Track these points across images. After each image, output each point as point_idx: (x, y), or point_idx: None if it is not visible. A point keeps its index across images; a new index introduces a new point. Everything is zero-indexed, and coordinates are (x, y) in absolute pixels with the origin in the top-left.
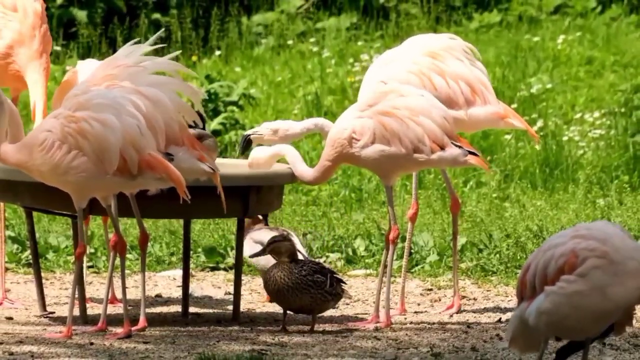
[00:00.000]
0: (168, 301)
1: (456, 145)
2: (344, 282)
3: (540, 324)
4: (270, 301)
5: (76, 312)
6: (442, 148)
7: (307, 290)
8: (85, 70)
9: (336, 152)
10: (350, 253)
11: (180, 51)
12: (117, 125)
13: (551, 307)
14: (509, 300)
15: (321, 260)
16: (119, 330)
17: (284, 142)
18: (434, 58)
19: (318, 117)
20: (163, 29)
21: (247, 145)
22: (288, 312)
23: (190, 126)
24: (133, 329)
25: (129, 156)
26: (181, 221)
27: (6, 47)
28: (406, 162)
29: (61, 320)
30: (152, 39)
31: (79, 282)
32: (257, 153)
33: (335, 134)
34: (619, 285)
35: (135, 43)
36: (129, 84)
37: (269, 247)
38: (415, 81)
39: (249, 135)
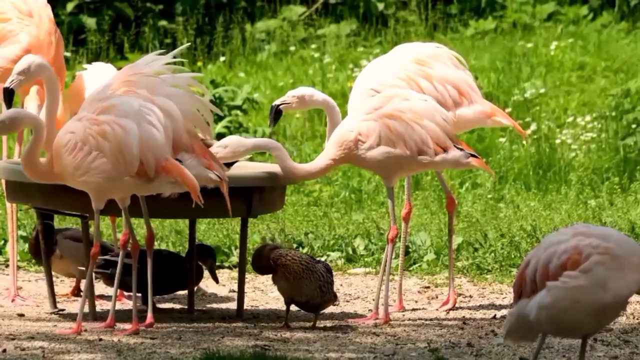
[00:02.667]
0: (174, 298)
1: (458, 148)
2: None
3: (541, 318)
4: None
5: (85, 309)
6: (445, 150)
7: (317, 280)
8: (94, 73)
9: (342, 153)
10: (350, 252)
11: (189, 44)
12: (136, 131)
13: (552, 300)
14: (503, 298)
15: (322, 259)
16: (127, 326)
17: (308, 107)
18: (421, 64)
19: (319, 120)
20: (188, 44)
21: (277, 117)
22: (290, 309)
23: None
24: (140, 325)
25: (147, 160)
26: (187, 221)
27: (23, 50)
28: (410, 163)
29: (71, 317)
30: (174, 52)
31: (90, 280)
32: (239, 141)
33: (342, 135)
34: (620, 279)
35: (161, 53)
36: (144, 92)
37: (275, 263)
38: (404, 86)
39: (278, 105)
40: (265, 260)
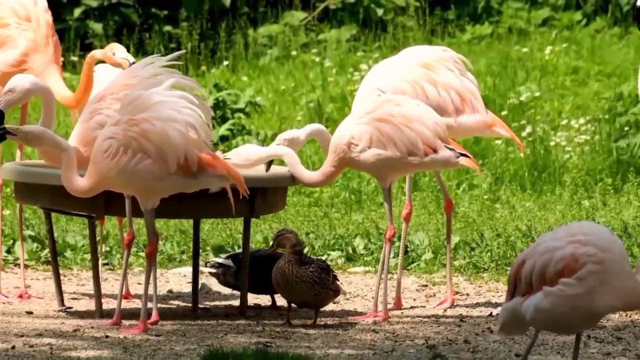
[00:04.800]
0: (179, 296)
1: (448, 148)
2: (337, 280)
3: (539, 320)
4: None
5: (92, 306)
6: (435, 151)
7: (312, 287)
8: (103, 73)
9: (338, 157)
10: (350, 251)
11: (185, 51)
12: (179, 118)
13: (551, 307)
14: (499, 296)
15: (323, 258)
16: (133, 323)
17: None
18: (427, 68)
19: (319, 123)
20: (182, 52)
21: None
22: (291, 307)
23: None
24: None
25: (190, 154)
26: (191, 221)
27: (21, 55)
28: (401, 164)
29: (78, 315)
30: (171, 55)
31: (124, 275)
32: (252, 150)
33: (337, 140)
34: (601, 295)
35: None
36: None
37: (276, 240)
38: (409, 89)
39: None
40: (285, 240)
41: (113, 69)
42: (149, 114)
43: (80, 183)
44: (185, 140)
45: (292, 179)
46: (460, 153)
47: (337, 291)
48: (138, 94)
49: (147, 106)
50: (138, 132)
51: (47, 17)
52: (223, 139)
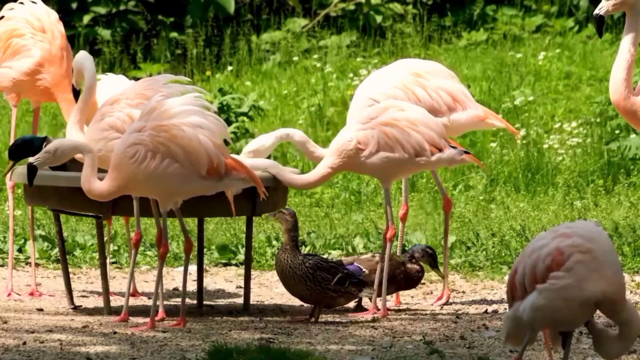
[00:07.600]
0: None
1: (452, 147)
2: (363, 286)
3: (536, 318)
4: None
5: (101, 304)
6: (440, 150)
7: (304, 281)
8: (107, 84)
9: (341, 161)
10: (350, 250)
11: (210, 103)
12: (206, 124)
13: (546, 302)
14: (494, 294)
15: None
16: (140, 320)
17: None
18: (417, 76)
19: (321, 126)
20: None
21: None
22: (293, 304)
23: None
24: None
25: (218, 158)
26: (196, 220)
27: (36, 64)
28: (409, 165)
29: (87, 312)
30: (196, 87)
31: (132, 273)
32: (261, 141)
33: (341, 145)
34: (593, 282)
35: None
36: None
37: (276, 214)
38: (400, 95)
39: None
40: (281, 218)
41: (118, 78)
42: (177, 120)
43: (100, 186)
44: (213, 145)
45: None
46: (463, 150)
47: (347, 293)
48: (159, 102)
49: (172, 114)
50: (167, 138)
51: (60, 28)
52: (227, 141)
